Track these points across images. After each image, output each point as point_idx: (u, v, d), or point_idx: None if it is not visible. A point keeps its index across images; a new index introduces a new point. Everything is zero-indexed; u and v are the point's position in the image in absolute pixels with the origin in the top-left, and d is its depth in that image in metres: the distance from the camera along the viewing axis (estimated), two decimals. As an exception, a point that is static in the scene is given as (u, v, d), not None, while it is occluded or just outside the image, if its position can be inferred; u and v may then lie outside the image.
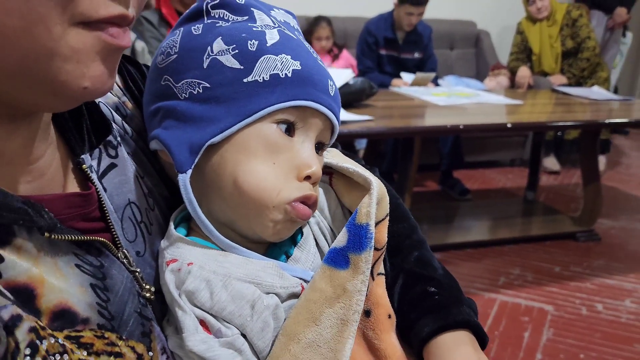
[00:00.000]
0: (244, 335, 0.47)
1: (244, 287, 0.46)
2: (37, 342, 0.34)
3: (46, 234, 0.38)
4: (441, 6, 4.19)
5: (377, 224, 0.50)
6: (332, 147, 0.61)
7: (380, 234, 0.50)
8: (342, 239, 0.50)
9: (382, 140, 3.29)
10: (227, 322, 0.46)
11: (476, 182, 3.72)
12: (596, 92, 3.15)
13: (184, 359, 0.46)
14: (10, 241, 0.37)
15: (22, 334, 0.33)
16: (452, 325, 0.51)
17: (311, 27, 3.49)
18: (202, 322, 0.46)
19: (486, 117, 2.44)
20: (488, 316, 2.12)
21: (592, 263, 2.59)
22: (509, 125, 2.30)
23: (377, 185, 0.51)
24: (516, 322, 2.10)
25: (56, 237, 0.38)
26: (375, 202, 0.50)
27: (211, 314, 0.46)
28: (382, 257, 0.52)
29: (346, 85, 2.31)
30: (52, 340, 0.35)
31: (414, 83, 3.18)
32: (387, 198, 0.52)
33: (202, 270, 0.46)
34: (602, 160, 3.90)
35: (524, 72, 3.70)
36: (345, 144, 3.33)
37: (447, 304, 0.53)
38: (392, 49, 3.33)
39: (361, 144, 3.50)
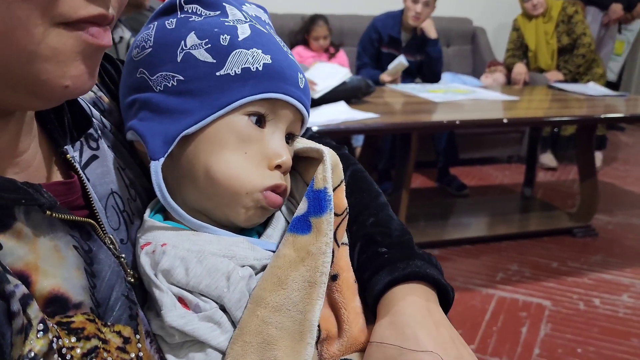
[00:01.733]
0: (222, 309, 0.48)
1: (218, 261, 0.48)
2: (47, 320, 0.36)
3: (47, 212, 0.39)
4: (437, 3, 4.19)
5: (333, 190, 0.52)
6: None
7: (338, 200, 0.52)
8: (302, 206, 0.51)
9: (380, 138, 3.29)
10: (205, 297, 0.47)
11: (474, 178, 3.73)
12: (592, 88, 3.16)
13: (165, 338, 0.47)
14: (11, 225, 0.38)
15: (34, 311, 0.35)
16: (400, 279, 0.51)
17: (308, 26, 3.48)
18: (181, 300, 0.47)
19: (483, 113, 2.44)
20: (486, 312, 2.13)
21: (589, 258, 2.60)
22: (505, 121, 2.31)
23: (329, 153, 0.53)
24: (514, 317, 2.11)
25: (57, 215, 0.40)
26: (329, 167, 0.52)
27: (188, 290, 0.47)
28: (344, 224, 0.54)
29: (343, 82, 2.31)
30: (50, 324, 0.37)
31: (391, 76, 3.14)
32: (341, 166, 0.55)
33: (176, 249, 0.48)
34: (598, 156, 3.91)
35: (520, 69, 3.70)
36: (343, 140, 3.35)
37: (396, 260, 0.53)
38: (393, 48, 3.29)
39: (358, 141, 3.50)
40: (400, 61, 3.04)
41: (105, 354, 0.41)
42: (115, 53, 1.72)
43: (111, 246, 0.46)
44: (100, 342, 0.41)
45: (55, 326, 0.37)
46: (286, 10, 3.74)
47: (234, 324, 0.48)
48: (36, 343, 0.34)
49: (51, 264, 0.39)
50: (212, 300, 0.47)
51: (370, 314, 0.53)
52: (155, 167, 0.48)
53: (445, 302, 0.53)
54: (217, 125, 0.49)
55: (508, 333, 2.01)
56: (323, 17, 3.51)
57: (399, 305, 0.49)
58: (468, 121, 2.29)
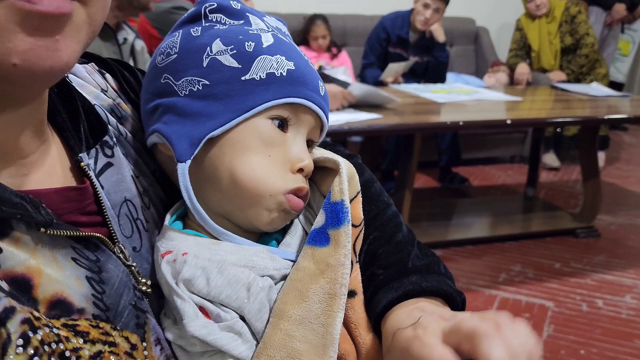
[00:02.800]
0: (242, 319, 0.48)
1: (238, 271, 0.48)
2: (30, 333, 0.34)
3: (42, 229, 0.39)
4: (440, 3, 4.20)
5: (350, 201, 0.52)
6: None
7: (355, 211, 0.53)
8: (320, 219, 0.52)
9: (383, 138, 3.29)
10: (225, 307, 0.47)
11: (476, 178, 3.73)
12: (595, 88, 3.15)
13: (185, 348, 0.48)
14: (9, 233, 0.38)
15: (14, 325, 0.34)
16: (395, 300, 0.50)
17: (307, 26, 3.48)
18: (202, 309, 0.47)
19: (486, 114, 2.44)
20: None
21: (592, 259, 2.60)
22: (508, 122, 2.30)
23: (345, 165, 0.54)
24: (517, 318, 2.10)
25: (52, 232, 0.39)
26: (346, 179, 0.52)
27: (209, 300, 0.47)
28: (362, 235, 0.54)
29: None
30: (47, 330, 0.36)
31: (387, 76, 3.13)
32: (357, 177, 0.55)
33: (197, 259, 0.48)
34: (601, 156, 3.90)
35: (523, 69, 3.70)
36: (341, 141, 3.35)
37: (390, 280, 0.52)
38: (401, 48, 3.29)
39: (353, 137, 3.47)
40: (401, 64, 3.04)
41: (112, 357, 0.41)
42: (119, 54, 1.73)
43: (121, 255, 0.46)
44: (107, 346, 0.41)
45: (55, 330, 0.37)
46: (289, 10, 3.75)
47: (254, 335, 0.48)
48: (15, 359, 0.33)
49: (52, 270, 0.40)
50: (233, 310, 0.48)
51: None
52: (183, 170, 0.49)
53: (457, 307, 0.52)
54: (241, 128, 0.50)
55: (511, 334, 2.01)
56: (321, 16, 3.50)
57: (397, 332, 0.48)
58: (471, 122, 2.28)
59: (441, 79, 3.39)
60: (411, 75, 3.33)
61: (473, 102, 2.63)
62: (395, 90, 2.88)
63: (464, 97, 2.71)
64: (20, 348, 0.34)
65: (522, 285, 2.34)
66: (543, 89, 3.29)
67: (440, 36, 3.21)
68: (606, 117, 2.49)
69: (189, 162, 0.49)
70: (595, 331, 2.03)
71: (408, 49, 3.27)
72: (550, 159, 3.99)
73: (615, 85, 4.29)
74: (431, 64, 3.33)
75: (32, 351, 0.34)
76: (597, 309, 2.18)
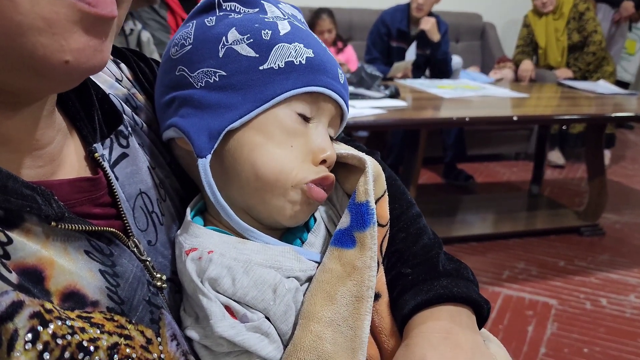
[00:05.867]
0: (267, 319, 0.47)
1: (265, 272, 0.47)
2: (40, 327, 0.34)
3: (53, 223, 0.38)
4: (447, -2, 4.18)
5: (376, 201, 0.51)
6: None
7: (381, 210, 0.52)
8: (345, 220, 0.51)
9: (388, 133, 3.28)
10: (251, 307, 0.47)
11: (481, 175, 3.72)
12: (602, 86, 3.14)
13: (212, 347, 0.47)
14: (19, 224, 0.37)
15: (22, 320, 0.33)
16: (423, 303, 0.49)
17: (312, 20, 3.47)
18: (228, 308, 0.46)
19: (492, 110, 2.43)
20: (492, 310, 2.12)
21: (597, 258, 2.59)
22: (515, 118, 2.29)
23: (372, 164, 0.52)
24: (520, 316, 2.10)
25: (63, 226, 0.38)
26: (371, 179, 0.51)
27: (235, 300, 0.46)
28: (388, 235, 0.53)
29: None
30: (60, 323, 0.35)
31: (392, 74, 3.13)
32: (383, 175, 0.54)
33: (223, 258, 0.47)
34: (606, 154, 3.88)
35: (526, 66, 3.69)
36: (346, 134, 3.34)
37: (419, 281, 0.51)
38: (403, 42, 3.29)
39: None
40: (407, 62, 3.03)
41: (128, 350, 0.40)
42: (126, 45, 1.72)
43: (135, 250, 0.45)
44: (122, 339, 0.40)
45: (69, 322, 0.36)
46: (294, 4, 3.73)
47: (279, 335, 0.48)
48: (23, 355, 0.32)
49: (64, 261, 0.39)
50: (258, 311, 0.47)
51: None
52: (204, 165, 0.48)
53: (482, 316, 0.52)
54: (261, 118, 0.49)
55: (514, 332, 2.00)
56: (327, 10, 3.48)
57: (418, 329, 0.48)
58: (477, 118, 2.27)
59: (444, 74, 3.38)
60: (414, 68, 3.32)
61: (479, 98, 2.62)
62: (402, 85, 2.86)
63: (470, 92, 2.70)
64: (29, 344, 0.33)
65: (525, 282, 2.34)
66: (549, 86, 3.27)
67: (434, 36, 3.21)
68: (612, 115, 2.48)
69: (209, 157, 0.48)
70: (598, 330, 2.02)
71: (410, 41, 3.27)
72: (555, 156, 3.98)
73: (621, 84, 4.27)
74: (432, 61, 3.33)
75: (41, 346, 0.33)
76: (601, 307, 2.17)
